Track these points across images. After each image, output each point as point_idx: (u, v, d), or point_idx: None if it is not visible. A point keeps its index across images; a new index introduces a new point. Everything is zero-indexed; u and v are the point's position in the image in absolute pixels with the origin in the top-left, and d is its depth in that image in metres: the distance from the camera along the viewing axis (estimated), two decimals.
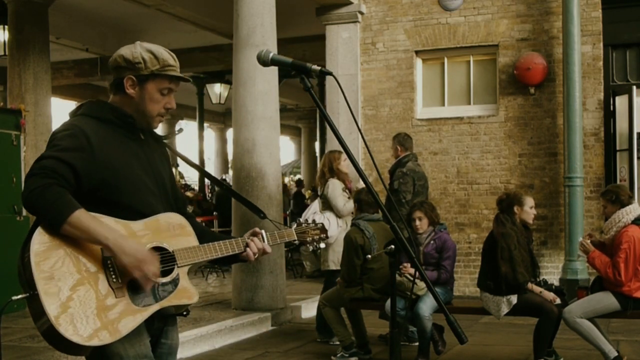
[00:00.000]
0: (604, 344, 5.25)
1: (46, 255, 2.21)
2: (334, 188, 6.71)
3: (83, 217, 2.23)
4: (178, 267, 2.45)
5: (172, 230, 2.48)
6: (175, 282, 2.44)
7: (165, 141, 2.77)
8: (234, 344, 6.84)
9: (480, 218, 9.67)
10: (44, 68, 9.24)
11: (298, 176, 25.10)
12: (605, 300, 5.30)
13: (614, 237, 5.31)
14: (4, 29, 9.94)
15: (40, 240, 2.22)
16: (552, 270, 9.24)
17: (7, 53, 9.53)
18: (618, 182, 8.90)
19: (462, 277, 9.39)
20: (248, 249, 2.63)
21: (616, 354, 5.24)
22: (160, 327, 2.51)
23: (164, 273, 2.41)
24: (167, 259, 2.43)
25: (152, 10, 11.17)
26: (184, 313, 2.56)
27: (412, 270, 5.59)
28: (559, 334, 5.67)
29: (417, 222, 5.93)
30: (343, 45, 10.25)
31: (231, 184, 10.74)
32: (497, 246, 5.55)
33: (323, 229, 2.90)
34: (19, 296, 2.23)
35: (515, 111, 9.59)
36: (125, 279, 2.30)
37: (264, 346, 6.72)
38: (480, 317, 7.29)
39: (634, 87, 9.05)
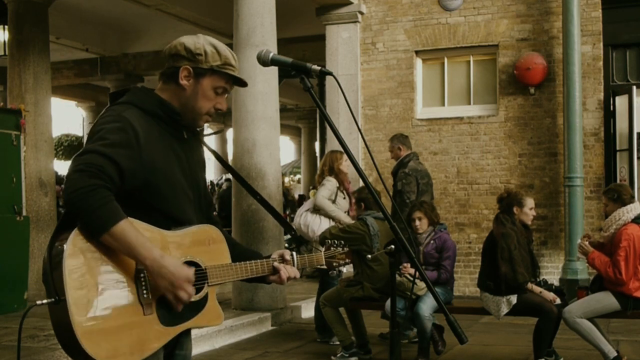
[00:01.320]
0: (603, 344, 5.25)
1: (80, 262, 2.05)
2: (327, 184, 6.72)
3: (126, 231, 2.08)
4: (209, 285, 2.31)
5: (207, 244, 2.35)
6: (203, 302, 2.31)
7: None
8: (234, 344, 6.84)
9: (480, 218, 9.67)
10: (44, 68, 9.24)
11: (298, 176, 25.08)
12: (605, 300, 5.30)
13: (613, 235, 5.31)
14: (4, 29, 9.94)
15: (75, 243, 2.05)
16: (552, 270, 9.24)
17: (7, 53, 9.52)
18: (618, 182, 8.90)
19: (462, 277, 9.39)
20: (281, 273, 2.49)
21: (615, 354, 5.24)
22: (175, 338, 2.34)
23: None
24: (198, 276, 2.28)
25: (152, 10, 11.17)
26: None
27: (412, 270, 5.59)
28: (559, 334, 5.67)
29: (417, 222, 5.93)
30: (343, 45, 10.26)
31: (231, 184, 10.73)
32: (497, 246, 5.55)
33: (349, 253, 2.77)
34: (45, 301, 2.06)
35: (515, 111, 9.59)
36: (155, 295, 2.17)
37: (264, 346, 6.72)
38: (480, 317, 7.29)
39: (634, 87, 9.05)
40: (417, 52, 10.11)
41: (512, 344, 6.58)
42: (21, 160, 8.07)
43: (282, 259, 2.53)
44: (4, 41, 9.91)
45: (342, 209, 6.70)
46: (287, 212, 15.54)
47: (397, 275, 5.37)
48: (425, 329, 5.61)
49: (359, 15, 10.21)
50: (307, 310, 8.12)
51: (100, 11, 12.76)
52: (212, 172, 23.03)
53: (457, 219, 9.74)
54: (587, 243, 5.40)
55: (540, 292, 5.54)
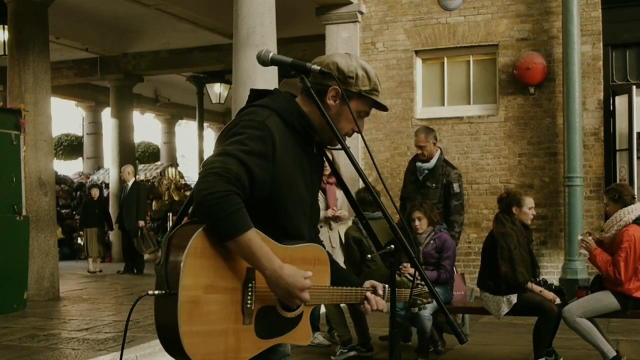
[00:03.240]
0: (603, 344, 5.25)
1: (198, 262, 2.07)
2: None
3: (252, 240, 2.10)
4: (306, 305, 2.31)
5: (313, 264, 2.35)
6: (298, 320, 2.32)
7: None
8: None
9: (480, 218, 9.67)
10: (44, 68, 9.24)
11: None
12: (605, 300, 5.30)
13: (614, 236, 5.31)
14: (4, 29, 9.95)
15: (199, 243, 2.07)
16: (552, 270, 9.25)
17: (7, 53, 9.53)
18: (618, 182, 8.90)
19: None
20: (367, 303, 2.49)
21: (615, 354, 5.25)
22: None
23: (290, 308, 2.30)
24: None
25: (152, 10, 11.18)
26: None
27: (412, 270, 5.59)
28: (559, 334, 5.67)
29: (417, 223, 5.94)
30: (343, 45, 10.26)
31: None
32: (497, 246, 5.55)
33: (428, 295, 2.79)
34: (156, 292, 2.07)
35: (515, 111, 9.59)
36: (258, 306, 2.19)
37: None
38: (480, 317, 7.30)
39: (634, 87, 9.06)
40: (417, 52, 10.11)
41: (512, 344, 6.58)
42: (21, 160, 8.08)
43: (374, 291, 2.53)
44: (4, 41, 9.92)
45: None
46: None
47: (397, 276, 5.38)
48: (425, 329, 5.62)
49: (359, 15, 10.22)
50: None
51: (100, 11, 12.77)
52: None
53: None
54: (590, 239, 5.41)
55: (541, 291, 5.54)
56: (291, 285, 2.16)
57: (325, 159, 2.55)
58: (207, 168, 2.11)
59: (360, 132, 2.39)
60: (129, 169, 12.87)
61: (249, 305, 2.17)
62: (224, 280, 2.13)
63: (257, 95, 2.40)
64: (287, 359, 2.53)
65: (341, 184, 2.72)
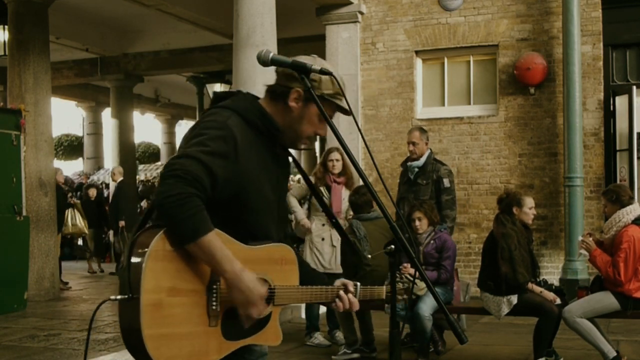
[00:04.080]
0: (603, 344, 5.25)
1: (159, 265, 2.06)
2: (302, 183, 6.79)
3: (212, 242, 2.09)
4: (274, 305, 2.32)
5: (280, 264, 2.34)
6: (266, 320, 2.31)
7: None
8: None
9: (480, 218, 9.67)
10: (44, 68, 9.24)
11: (298, 176, 25.05)
12: (605, 300, 5.30)
13: (614, 237, 5.31)
14: (4, 29, 9.95)
15: (159, 246, 2.07)
16: (552, 270, 9.24)
17: (7, 53, 9.53)
18: (618, 182, 8.90)
19: (462, 277, 9.38)
20: (338, 301, 2.48)
21: (615, 354, 5.25)
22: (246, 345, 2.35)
23: None
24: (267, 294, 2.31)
25: (152, 10, 11.18)
26: None
27: (412, 270, 5.58)
28: (559, 334, 5.67)
29: (417, 223, 5.93)
30: (343, 45, 10.26)
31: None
32: (497, 246, 5.55)
33: (408, 290, 2.79)
34: (118, 297, 2.08)
35: (515, 111, 9.59)
36: (223, 308, 2.19)
37: None
38: (480, 317, 7.29)
39: (634, 87, 9.05)
40: (417, 52, 10.11)
41: (512, 344, 6.58)
42: (21, 160, 8.08)
43: (346, 289, 2.51)
44: (4, 41, 9.92)
45: (320, 208, 6.70)
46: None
47: (397, 276, 5.37)
48: (425, 329, 5.61)
49: (359, 15, 10.21)
50: None
51: (100, 11, 12.77)
52: None
53: (457, 218, 9.72)
54: (590, 240, 5.41)
55: (541, 292, 5.54)
56: (251, 291, 2.16)
57: (292, 159, 2.54)
58: (167, 170, 2.10)
59: (324, 135, 2.41)
60: (117, 169, 13.03)
61: (214, 307, 2.16)
62: (187, 283, 2.12)
63: (219, 97, 2.40)
64: (264, 358, 2.52)
65: (311, 188, 2.76)
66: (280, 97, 2.35)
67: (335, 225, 2.55)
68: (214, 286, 2.16)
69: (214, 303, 2.16)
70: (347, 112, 2.40)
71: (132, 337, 2.06)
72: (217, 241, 2.11)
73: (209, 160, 2.13)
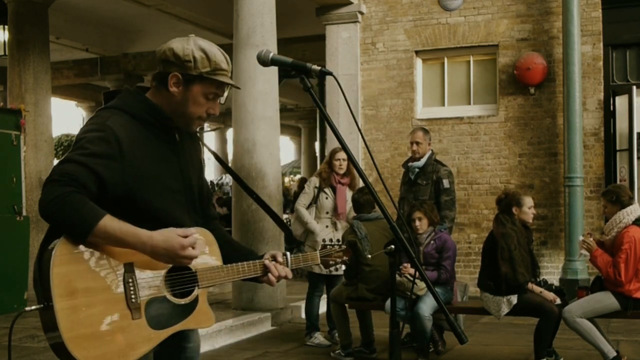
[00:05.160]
0: (603, 344, 5.25)
1: (66, 269, 2.08)
2: (306, 189, 6.87)
3: (109, 226, 2.10)
4: (199, 288, 2.32)
5: (197, 248, 2.32)
6: (194, 304, 2.32)
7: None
8: (234, 343, 6.84)
9: (480, 218, 9.67)
10: (44, 68, 9.24)
11: (299, 175, 25.05)
12: (605, 300, 5.30)
13: (614, 237, 5.31)
14: (4, 29, 9.94)
15: (61, 251, 2.09)
16: (552, 270, 9.24)
17: (7, 53, 9.53)
18: (618, 182, 8.90)
19: (462, 277, 9.38)
20: (270, 274, 2.48)
21: (615, 354, 5.24)
22: (180, 333, 2.35)
23: (184, 294, 2.31)
24: (188, 279, 2.31)
25: (152, 10, 11.17)
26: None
27: (412, 270, 5.58)
28: (559, 334, 5.67)
29: (417, 223, 5.93)
30: (343, 45, 10.26)
31: (231, 184, 10.71)
32: (497, 246, 5.55)
33: (347, 250, 2.77)
34: (33, 307, 2.12)
35: (515, 111, 9.59)
36: (143, 299, 2.20)
37: (264, 346, 6.72)
38: (480, 317, 7.29)
39: (634, 87, 9.05)
40: (417, 52, 10.11)
41: (512, 344, 6.58)
42: (21, 160, 8.07)
43: (274, 260, 2.52)
44: (4, 41, 9.91)
45: (324, 209, 6.70)
46: (287, 212, 15.53)
47: (397, 275, 5.37)
48: (425, 329, 5.61)
49: (359, 15, 10.21)
50: None
51: (100, 11, 12.75)
52: (212, 172, 23.02)
53: (457, 219, 9.69)
54: (591, 240, 5.41)
55: (541, 292, 5.54)
56: (168, 249, 2.17)
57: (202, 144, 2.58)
58: (46, 178, 2.14)
59: (216, 113, 2.41)
60: None
61: (133, 300, 2.17)
62: (100, 281, 2.13)
63: (108, 97, 2.41)
64: (197, 344, 2.55)
65: (227, 169, 2.82)
66: (162, 84, 2.33)
67: (257, 200, 2.56)
68: (130, 280, 2.17)
69: (133, 296, 2.17)
70: (235, 86, 2.41)
71: (57, 346, 2.08)
72: (114, 222, 2.11)
73: (89, 160, 2.14)
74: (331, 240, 2.86)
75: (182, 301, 2.28)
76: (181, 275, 2.30)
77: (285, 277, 2.51)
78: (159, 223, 2.26)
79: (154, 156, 2.31)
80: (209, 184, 17.46)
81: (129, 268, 2.18)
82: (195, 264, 2.31)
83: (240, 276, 2.45)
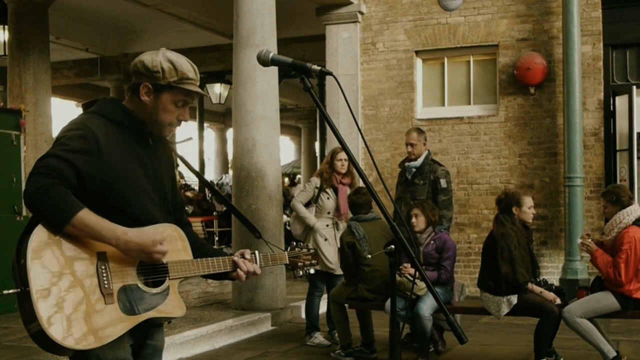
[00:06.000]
0: (603, 343, 5.25)
1: (43, 255, 2.22)
2: (307, 187, 6.89)
3: (86, 219, 2.26)
4: (170, 279, 2.49)
5: (169, 242, 2.49)
6: (165, 294, 2.47)
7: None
8: (234, 344, 6.84)
9: (480, 218, 9.67)
10: (44, 68, 9.24)
11: (298, 176, 25.06)
12: (605, 300, 5.30)
13: (615, 238, 5.31)
14: (4, 29, 9.94)
15: (39, 238, 2.23)
16: (552, 270, 9.24)
17: (7, 53, 9.53)
18: (618, 182, 8.90)
19: (462, 277, 9.38)
20: (238, 269, 2.65)
21: (615, 354, 5.25)
22: (146, 328, 2.52)
23: (156, 284, 2.46)
24: (159, 270, 2.47)
25: (152, 10, 11.17)
26: (167, 322, 2.63)
27: (412, 271, 5.58)
28: (559, 334, 5.67)
29: (414, 219, 5.92)
30: (343, 45, 10.26)
31: (231, 184, 10.70)
32: (497, 246, 5.55)
33: (315, 255, 2.93)
34: (10, 290, 2.25)
35: (515, 111, 9.59)
36: (116, 286, 2.34)
37: (264, 346, 6.72)
38: (480, 317, 7.29)
39: (634, 87, 9.05)
40: (417, 52, 10.11)
41: (512, 344, 6.58)
42: (21, 160, 8.07)
43: (242, 257, 2.69)
44: (4, 41, 9.92)
45: (326, 209, 6.69)
46: (287, 212, 15.54)
47: (397, 275, 5.37)
48: (425, 329, 5.61)
49: (359, 15, 10.21)
50: None
51: (100, 11, 12.76)
52: (212, 172, 23.03)
53: (457, 219, 9.72)
54: (589, 241, 5.41)
55: (541, 292, 5.54)
56: (142, 245, 2.34)
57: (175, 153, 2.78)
58: (31, 171, 2.29)
59: (186, 120, 2.58)
60: None
61: (106, 286, 2.31)
62: (74, 266, 2.28)
63: (85, 107, 2.60)
64: (159, 344, 2.66)
65: (195, 174, 3.01)
66: (135, 94, 2.53)
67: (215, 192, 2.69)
68: (103, 267, 2.32)
69: (106, 283, 2.32)
70: (202, 94, 2.61)
71: (33, 328, 2.20)
72: (91, 216, 2.28)
73: (70, 156, 2.32)
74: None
75: (154, 290, 2.44)
76: (153, 267, 2.45)
77: (254, 273, 2.68)
78: (134, 217, 2.43)
79: (129, 157, 2.49)
80: (209, 183, 17.51)
81: (102, 257, 2.33)
82: (166, 257, 2.46)
83: (209, 270, 2.61)
